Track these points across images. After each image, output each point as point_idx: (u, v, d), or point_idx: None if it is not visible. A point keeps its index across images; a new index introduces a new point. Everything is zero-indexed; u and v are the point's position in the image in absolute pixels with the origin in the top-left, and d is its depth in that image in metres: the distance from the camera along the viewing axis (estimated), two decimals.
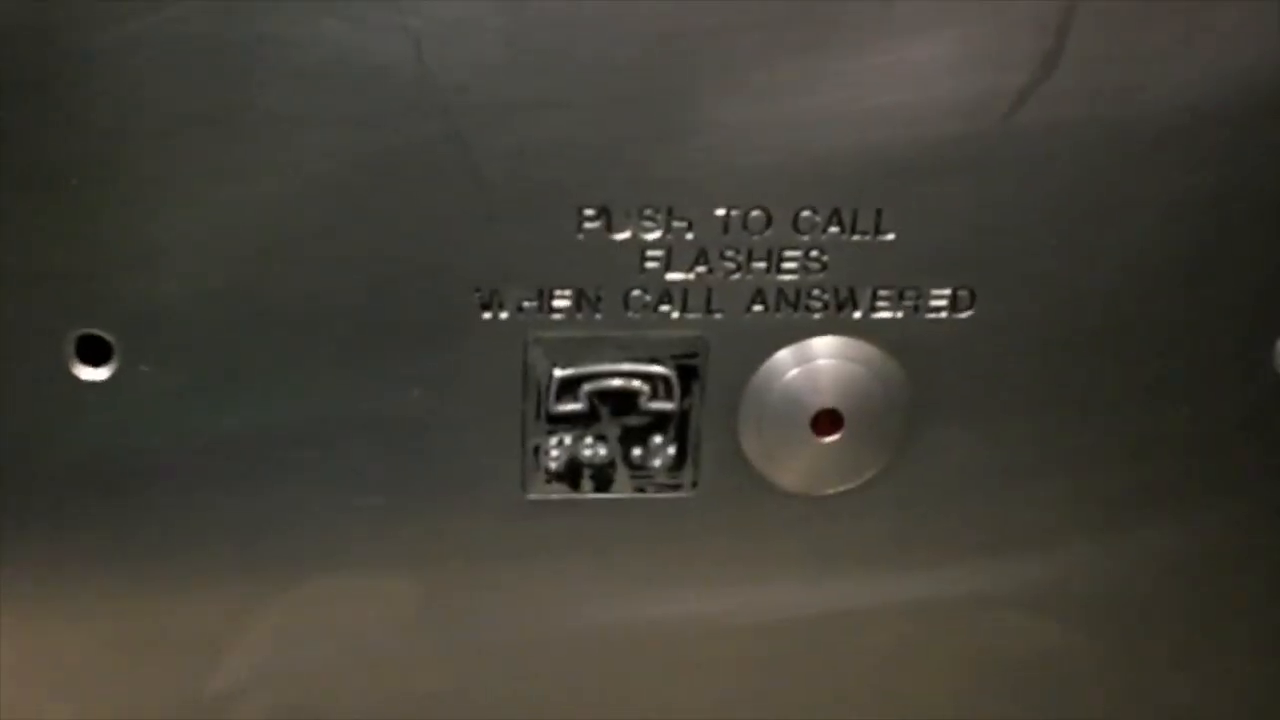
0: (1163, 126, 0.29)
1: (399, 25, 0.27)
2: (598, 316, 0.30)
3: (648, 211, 0.29)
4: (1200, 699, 0.36)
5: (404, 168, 0.28)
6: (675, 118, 0.28)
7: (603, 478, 0.32)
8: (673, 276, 0.30)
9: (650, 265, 0.30)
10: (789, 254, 0.30)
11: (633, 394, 0.31)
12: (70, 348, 0.29)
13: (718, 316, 0.30)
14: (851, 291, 0.30)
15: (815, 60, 0.28)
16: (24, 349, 0.29)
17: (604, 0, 0.27)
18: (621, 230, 0.29)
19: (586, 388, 0.31)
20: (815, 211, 0.29)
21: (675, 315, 0.30)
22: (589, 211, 0.29)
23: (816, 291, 0.30)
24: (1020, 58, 0.28)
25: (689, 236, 0.29)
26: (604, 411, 0.31)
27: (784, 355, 0.31)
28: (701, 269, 0.30)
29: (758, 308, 0.30)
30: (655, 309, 0.30)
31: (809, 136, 0.29)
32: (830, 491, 0.32)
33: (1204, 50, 0.29)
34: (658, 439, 0.31)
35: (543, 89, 0.28)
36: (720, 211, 0.29)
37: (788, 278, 0.30)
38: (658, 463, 0.31)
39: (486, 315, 0.30)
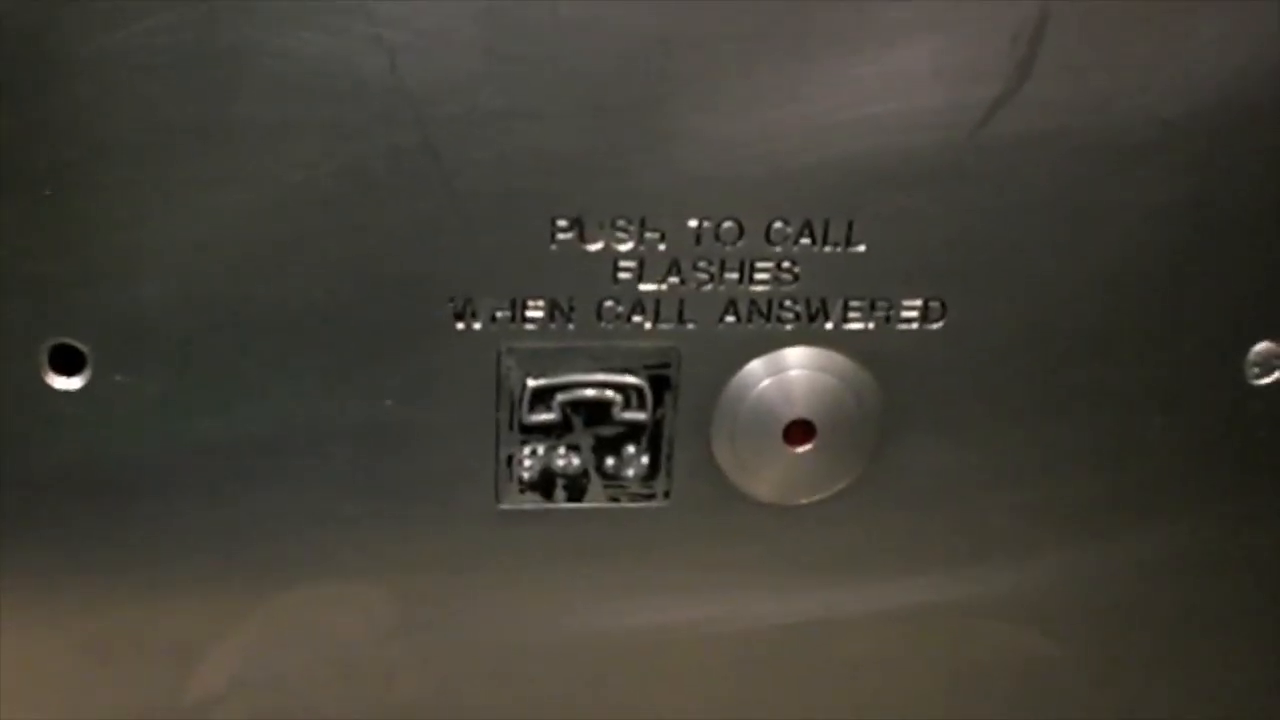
0: (1137, 138, 0.29)
1: (374, 37, 0.27)
2: (571, 327, 0.30)
3: (621, 222, 0.29)
4: (1178, 706, 0.36)
5: (379, 178, 0.28)
6: (648, 130, 0.28)
7: (576, 488, 0.32)
8: (645, 287, 0.30)
9: (623, 276, 0.30)
10: (761, 265, 0.30)
11: (606, 404, 0.31)
12: (44, 357, 0.29)
13: (690, 327, 0.30)
14: (823, 302, 0.30)
15: (788, 72, 0.28)
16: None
17: (577, 12, 0.27)
18: (595, 241, 0.29)
19: (560, 398, 0.31)
20: (787, 223, 0.29)
21: (648, 326, 0.30)
22: (562, 222, 0.29)
23: (788, 302, 0.30)
24: (992, 68, 0.28)
25: (662, 247, 0.29)
26: (577, 421, 0.31)
27: (756, 366, 0.31)
28: (674, 280, 0.30)
29: (730, 318, 0.30)
30: (628, 319, 0.30)
31: (781, 148, 0.29)
32: (803, 501, 0.32)
33: (1180, 61, 0.29)
34: (631, 449, 0.31)
35: (517, 99, 0.28)
36: (693, 223, 0.29)
37: (760, 289, 0.30)
38: (631, 473, 0.31)
39: (460, 325, 0.30)
